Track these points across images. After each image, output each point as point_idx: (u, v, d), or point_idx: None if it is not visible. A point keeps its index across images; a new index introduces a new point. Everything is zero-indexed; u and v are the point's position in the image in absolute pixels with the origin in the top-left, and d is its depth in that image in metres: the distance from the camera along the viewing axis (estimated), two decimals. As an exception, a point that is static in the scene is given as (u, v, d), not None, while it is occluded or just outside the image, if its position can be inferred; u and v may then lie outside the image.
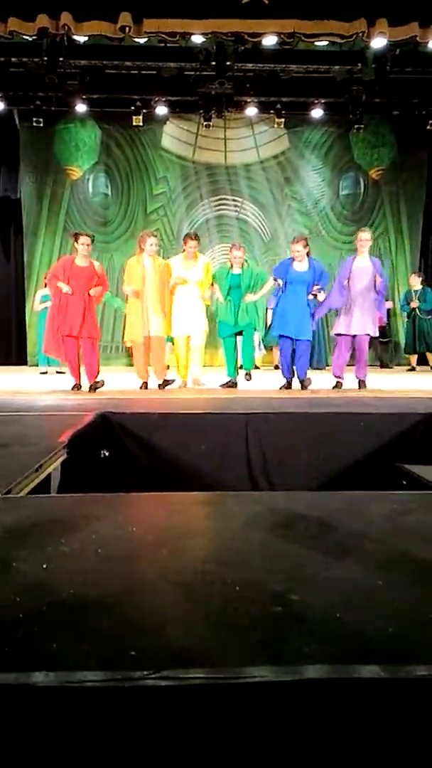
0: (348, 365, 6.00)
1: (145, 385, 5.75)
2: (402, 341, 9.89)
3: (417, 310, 9.02)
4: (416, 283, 9.12)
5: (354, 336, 5.79)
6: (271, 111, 9.71)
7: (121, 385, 5.98)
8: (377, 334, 6.06)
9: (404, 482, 3.08)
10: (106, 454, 3.61)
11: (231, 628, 1.02)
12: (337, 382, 5.86)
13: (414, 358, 9.28)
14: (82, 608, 1.10)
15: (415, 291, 9.07)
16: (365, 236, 5.86)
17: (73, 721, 0.86)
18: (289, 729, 0.87)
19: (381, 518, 1.71)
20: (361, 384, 5.85)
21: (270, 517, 1.68)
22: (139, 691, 0.86)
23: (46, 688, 0.86)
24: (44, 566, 1.30)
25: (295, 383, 5.86)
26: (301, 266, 5.73)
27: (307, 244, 5.81)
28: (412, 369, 9.18)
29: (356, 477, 3.56)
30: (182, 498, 2.00)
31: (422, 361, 9.28)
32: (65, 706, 0.86)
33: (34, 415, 3.73)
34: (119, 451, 3.65)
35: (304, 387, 5.75)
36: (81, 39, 7.53)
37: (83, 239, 5.52)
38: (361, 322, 5.73)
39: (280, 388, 5.84)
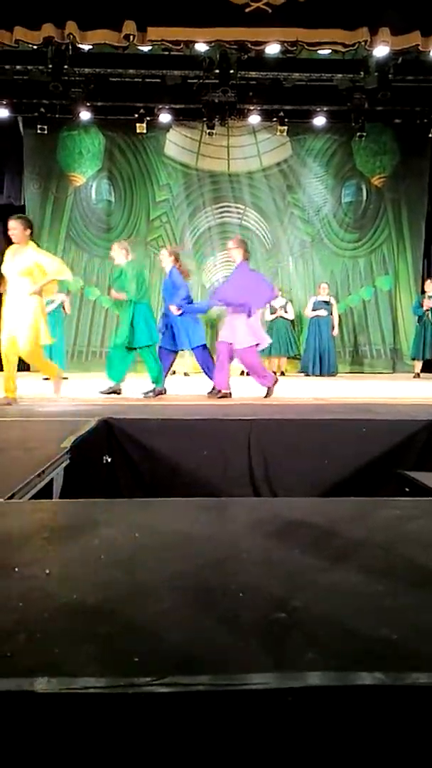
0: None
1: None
2: (408, 347, 9.90)
3: (429, 315, 9.03)
4: (430, 288, 9.16)
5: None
6: (274, 119, 9.75)
7: (123, 391, 5.97)
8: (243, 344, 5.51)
9: (407, 489, 3.07)
10: (109, 459, 3.61)
11: (234, 634, 1.02)
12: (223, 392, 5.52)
13: (418, 365, 9.27)
14: (84, 614, 1.10)
15: (430, 296, 9.09)
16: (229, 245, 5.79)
17: (76, 728, 0.85)
18: (292, 736, 0.86)
19: (383, 525, 1.70)
20: (268, 392, 5.51)
21: (272, 524, 1.68)
22: (142, 698, 0.85)
23: (48, 694, 0.86)
24: (46, 571, 1.30)
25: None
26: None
27: (171, 253, 5.89)
28: (417, 376, 9.18)
29: (358, 484, 3.55)
30: (184, 504, 2.00)
31: (427, 367, 9.29)
32: (67, 713, 0.85)
33: (37, 420, 3.73)
34: (121, 456, 3.64)
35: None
36: (85, 47, 7.57)
37: None
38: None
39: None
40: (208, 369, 5.83)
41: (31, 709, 0.86)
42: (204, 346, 5.91)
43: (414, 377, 9.14)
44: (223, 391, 5.44)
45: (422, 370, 9.26)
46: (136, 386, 5.96)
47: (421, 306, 9.13)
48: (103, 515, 1.76)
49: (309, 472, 3.60)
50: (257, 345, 5.51)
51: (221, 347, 5.48)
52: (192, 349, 5.90)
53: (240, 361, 5.72)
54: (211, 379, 5.71)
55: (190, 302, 5.91)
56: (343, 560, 1.38)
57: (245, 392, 5.96)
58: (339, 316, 9.66)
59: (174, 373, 9.16)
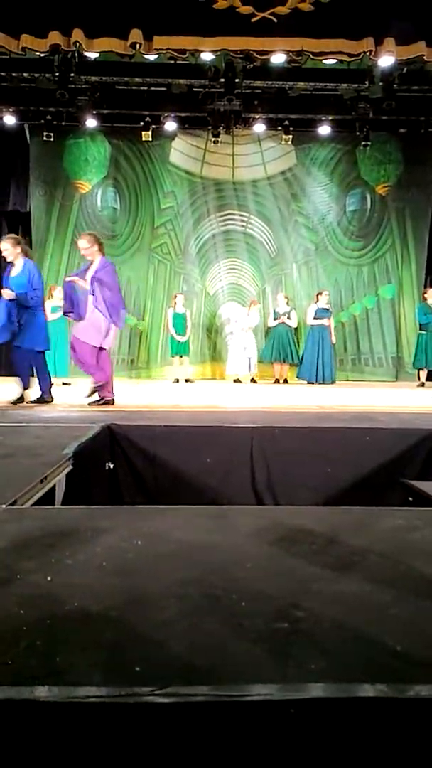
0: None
1: None
2: (411, 356, 9.88)
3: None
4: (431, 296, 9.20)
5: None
6: (279, 128, 9.79)
7: (125, 398, 5.98)
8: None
9: (410, 498, 3.06)
10: (111, 466, 3.61)
11: (236, 643, 1.01)
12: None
13: (423, 374, 9.25)
14: (86, 621, 1.09)
15: None
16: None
17: (76, 738, 0.84)
18: (294, 748, 0.85)
19: (387, 534, 1.69)
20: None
21: (275, 532, 1.67)
22: (143, 708, 0.85)
23: (48, 703, 0.85)
24: (48, 578, 1.29)
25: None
26: (14, 270, 5.16)
27: (17, 244, 5.17)
28: (421, 385, 9.16)
29: (362, 492, 3.54)
30: (186, 511, 1.99)
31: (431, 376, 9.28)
32: (68, 722, 0.85)
33: (40, 426, 3.73)
34: (124, 463, 3.64)
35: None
36: (92, 55, 7.62)
37: None
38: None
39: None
40: (19, 372, 5.18)
41: (32, 718, 0.85)
42: (41, 353, 5.25)
43: (418, 386, 9.12)
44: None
45: (427, 379, 9.24)
46: (138, 392, 5.96)
47: (426, 315, 9.12)
48: (106, 522, 1.75)
49: (312, 481, 3.59)
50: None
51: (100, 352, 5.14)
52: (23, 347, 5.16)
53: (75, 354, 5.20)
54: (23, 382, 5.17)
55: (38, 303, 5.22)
56: (347, 570, 1.37)
57: (248, 400, 5.96)
58: (343, 324, 9.68)
59: (177, 381, 9.21)
